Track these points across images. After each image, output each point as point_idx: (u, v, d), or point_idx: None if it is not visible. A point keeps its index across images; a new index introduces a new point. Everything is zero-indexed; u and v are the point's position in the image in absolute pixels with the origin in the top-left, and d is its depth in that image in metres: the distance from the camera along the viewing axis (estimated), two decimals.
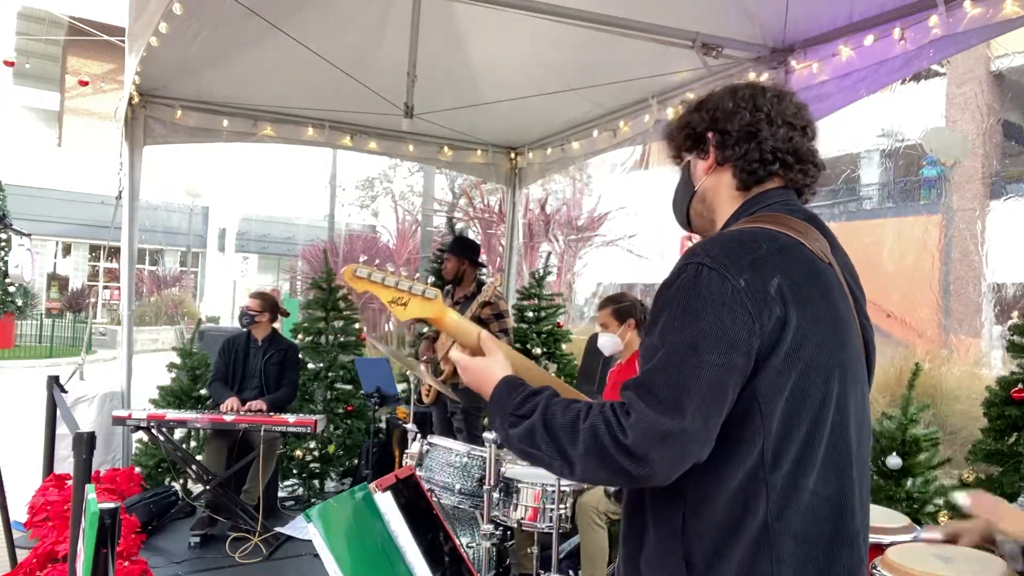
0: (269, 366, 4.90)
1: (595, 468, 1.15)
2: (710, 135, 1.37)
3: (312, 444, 5.54)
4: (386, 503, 1.40)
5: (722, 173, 1.37)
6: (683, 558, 1.18)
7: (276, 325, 5.14)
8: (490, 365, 1.37)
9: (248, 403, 4.64)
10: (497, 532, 3.13)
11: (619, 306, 3.69)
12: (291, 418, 4.46)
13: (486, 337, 1.42)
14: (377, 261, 18.89)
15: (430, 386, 4.80)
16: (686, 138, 1.42)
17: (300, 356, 5.46)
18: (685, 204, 1.45)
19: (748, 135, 1.33)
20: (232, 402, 4.64)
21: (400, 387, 5.42)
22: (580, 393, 1.41)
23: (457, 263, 4.93)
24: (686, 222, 1.47)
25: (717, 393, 1.12)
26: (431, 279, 6.56)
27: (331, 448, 5.60)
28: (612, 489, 2.98)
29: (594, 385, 5.48)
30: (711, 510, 1.17)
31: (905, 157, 15.41)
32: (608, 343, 3.71)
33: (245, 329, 5.01)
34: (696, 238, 1.43)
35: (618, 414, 1.13)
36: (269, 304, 5.03)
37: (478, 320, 4.71)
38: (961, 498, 1.87)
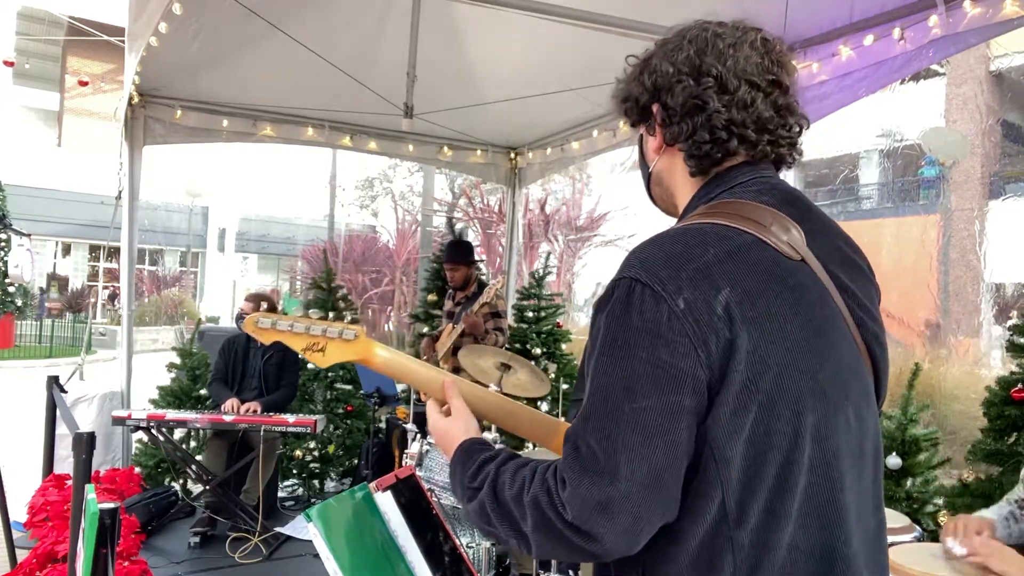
0: (268, 366, 4.90)
1: (550, 546, 0.99)
2: (654, 108, 1.15)
3: (312, 444, 5.54)
4: (386, 503, 1.40)
5: (674, 154, 1.15)
6: None
7: None
8: (449, 428, 1.24)
9: (244, 405, 4.64)
10: None
11: None
12: (291, 418, 4.46)
13: (447, 384, 1.29)
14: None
15: None
16: (628, 112, 1.20)
17: (300, 356, 5.44)
18: (645, 182, 1.26)
19: (693, 109, 1.09)
20: (232, 403, 4.64)
21: (400, 387, 5.42)
22: (549, 419, 1.33)
23: (467, 271, 4.95)
24: (652, 199, 1.29)
25: (663, 445, 0.93)
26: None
27: (331, 448, 5.60)
28: None
29: None
30: (673, 570, 0.99)
31: (904, 157, 15.42)
32: None
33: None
34: None
35: (556, 483, 0.97)
36: (263, 305, 5.04)
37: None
38: (956, 549, 1.91)
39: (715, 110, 1.07)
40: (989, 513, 2.16)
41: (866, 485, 1.07)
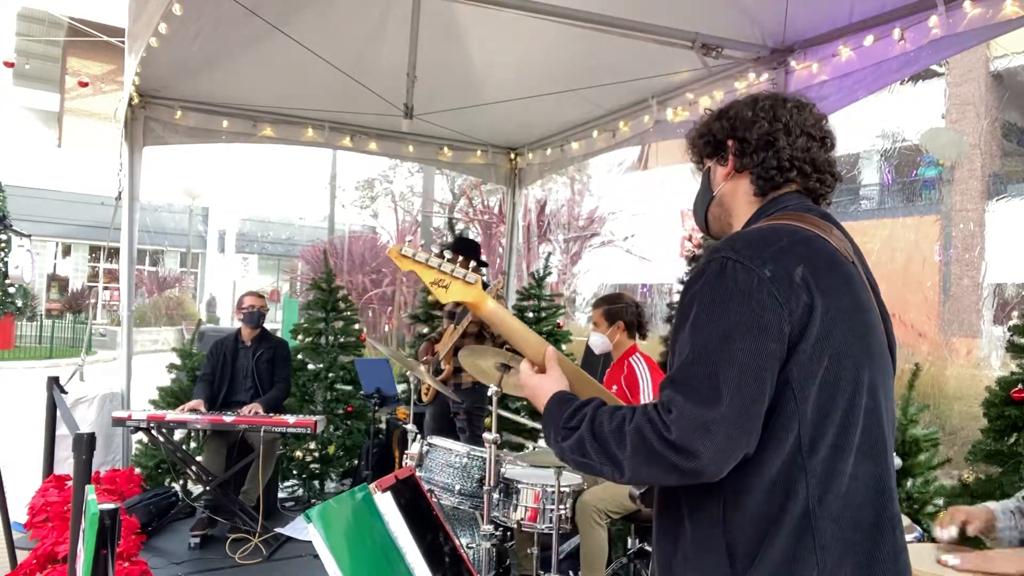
0: (260, 364, 4.90)
1: (645, 467, 1.17)
2: (730, 143, 1.42)
3: (312, 445, 5.54)
4: (386, 504, 1.40)
5: (740, 179, 1.42)
6: (726, 551, 1.18)
7: (266, 324, 5.17)
8: (543, 382, 1.43)
9: (244, 408, 4.63)
10: (497, 533, 3.13)
11: (610, 307, 3.71)
12: (291, 419, 4.45)
13: (550, 353, 1.46)
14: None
15: (429, 385, 4.80)
16: (706, 144, 1.46)
17: (297, 355, 5.45)
18: (704, 208, 1.49)
19: (766, 144, 1.37)
20: (191, 405, 4.62)
21: (400, 388, 5.41)
22: (613, 396, 1.46)
23: None
24: (704, 226, 1.51)
25: (754, 380, 1.13)
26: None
27: (331, 449, 5.60)
28: (637, 492, 2.91)
29: None
30: (751, 499, 1.17)
31: (905, 157, 15.41)
32: (597, 342, 3.74)
33: (256, 328, 4.99)
34: (695, 237, 1.46)
35: (660, 412, 1.16)
36: (262, 300, 5.08)
37: (478, 320, 4.71)
38: (950, 560, 1.87)
39: (782, 147, 1.37)
40: (992, 504, 2.12)
41: (892, 443, 1.30)
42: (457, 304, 4.98)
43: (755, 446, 1.15)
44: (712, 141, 1.45)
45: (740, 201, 1.42)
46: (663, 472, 1.16)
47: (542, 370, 1.46)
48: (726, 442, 1.12)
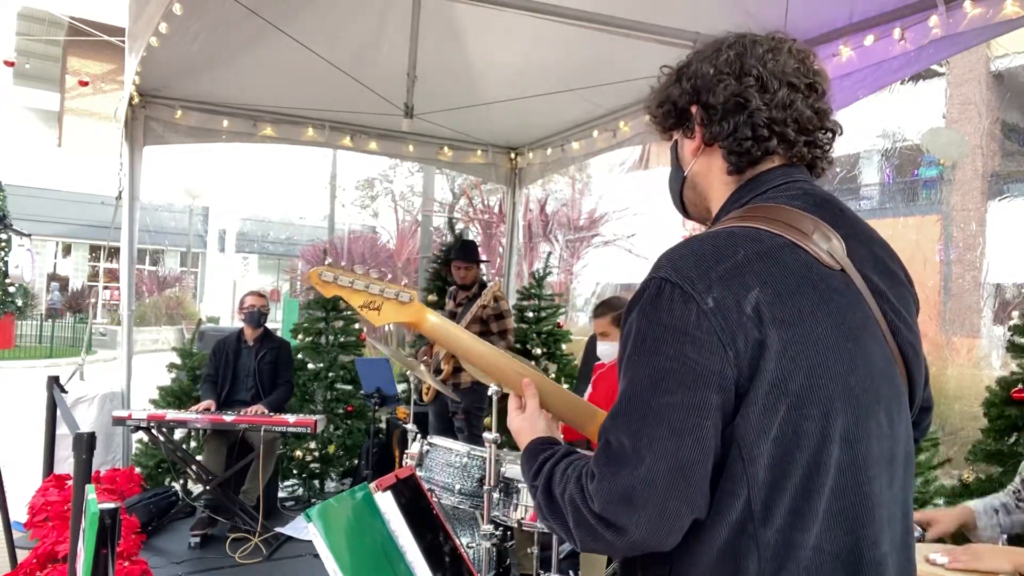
0: (263, 365, 4.90)
1: (590, 541, 1.01)
2: (693, 110, 1.16)
3: (312, 444, 5.54)
4: (386, 503, 1.40)
5: (712, 154, 1.16)
6: None
7: (267, 324, 5.17)
8: (521, 427, 1.28)
9: (250, 408, 4.63)
10: (497, 532, 3.13)
11: (618, 313, 3.69)
12: (291, 418, 4.46)
13: (526, 386, 1.30)
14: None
15: (430, 385, 4.80)
16: (667, 114, 1.21)
17: (297, 355, 5.44)
18: (678, 190, 1.25)
19: (736, 107, 1.10)
20: (203, 406, 4.64)
21: (400, 387, 5.41)
22: (589, 406, 1.35)
23: (477, 270, 5.02)
24: (683, 209, 1.28)
25: (688, 439, 0.94)
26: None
27: (331, 448, 5.60)
28: None
29: None
30: (697, 570, 0.99)
31: (905, 157, 15.41)
32: (608, 351, 3.70)
33: (258, 328, 4.99)
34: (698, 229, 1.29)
35: (586, 479, 1.00)
36: (264, 299, 5.08)
37: (480, 320, 4.71)
38: (938, 559, 1.86)
39: (757, 108, 1.09)
40: (973, 503, 2.15)
41: (896, 491, 1.06)
42: (458, 304, 5.02)
43: (706, 510, 0.97)
44: (673, 110, 1.19)
45: (714, 181, 1.17)
46: (605, 547, 0.99)
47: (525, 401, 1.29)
48: (658, 515, 0.94)
